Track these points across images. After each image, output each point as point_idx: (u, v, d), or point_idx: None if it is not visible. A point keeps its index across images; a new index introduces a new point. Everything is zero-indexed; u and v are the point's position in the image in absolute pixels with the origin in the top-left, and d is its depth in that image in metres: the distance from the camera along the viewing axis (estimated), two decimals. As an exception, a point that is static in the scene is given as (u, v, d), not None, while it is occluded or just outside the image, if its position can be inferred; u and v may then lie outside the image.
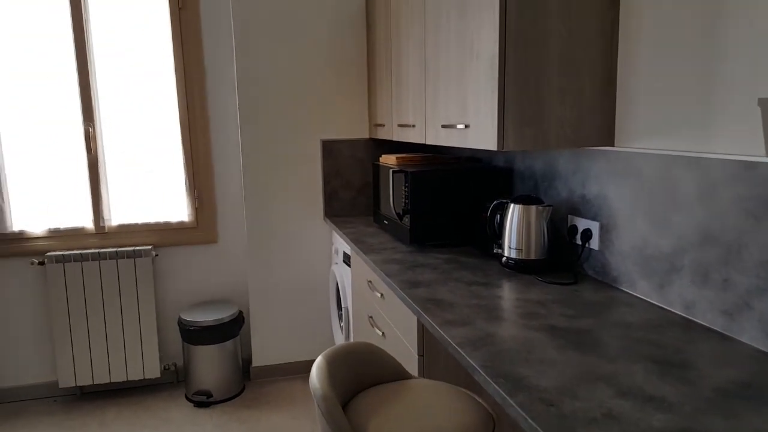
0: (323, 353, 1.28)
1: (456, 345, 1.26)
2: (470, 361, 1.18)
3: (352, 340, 2.71)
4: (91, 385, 2.96)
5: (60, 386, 2.86)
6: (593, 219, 1.79)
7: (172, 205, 3.05)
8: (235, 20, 2.82)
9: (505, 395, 1.03)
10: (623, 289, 1.66)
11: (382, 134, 2.87)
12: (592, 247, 1.80)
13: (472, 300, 1.59)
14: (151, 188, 3.01)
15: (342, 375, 1.25)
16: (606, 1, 1.62)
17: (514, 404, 0.99)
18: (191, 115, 2.98)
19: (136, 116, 2.93)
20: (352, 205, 3.13)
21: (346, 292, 2.74)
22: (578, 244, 1.86)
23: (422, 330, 1.67)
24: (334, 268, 2.96)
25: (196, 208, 3.07)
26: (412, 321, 1.71)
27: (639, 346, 1.25)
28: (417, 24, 2.23)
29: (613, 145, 1.68)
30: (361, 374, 1.32)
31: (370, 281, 2.25)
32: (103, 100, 2.87)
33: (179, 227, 3.06)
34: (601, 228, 1.75)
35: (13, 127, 2.78)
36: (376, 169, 2.79)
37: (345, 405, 1.26)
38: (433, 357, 1.70)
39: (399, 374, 1.40)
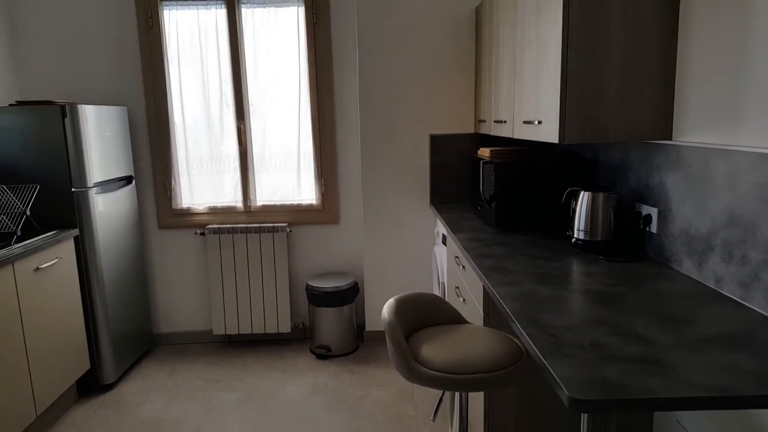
0: (395, 297, 1.68)
1: (499, 297, 1.59)
2: (506, 307, 1.50)
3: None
4: (236, 334, 3.65)
5: (213, 333, 3.58)
6: (653, 205, 1.97)
7: (304, 190, 3.63)
8: (359, 30, 3.28)
9: (520, 328, 1.34)
10: (673, 267, 1.84)
11: (484, 129, 3.18)
12: (651, 230, 1.99)
13: (530, 269, 1.88)
14: (288, 175, 3.62)
15: (407, 313, 1.64)
16: (666, 11, 1.80)
17: (525, 334, 1.31)
18: (321, 114, 3.52)
19: (277, 115, 3.55)
20: (454, 194, 3.47)
21: (443, 269, 3.11)
22: (641, 228, 2.05)
23: (486, 293, 2.00)
24: (435, 248, 3.33)
25: (323, 194, 3.62)
26: (480, 285, 2.04)
27: (655, 306, 1.48)
28: (509, 30, 2.52)
29: (670, 139, 1.86)
30: (424, 315, 1.69)
31: (456, 257, 2.59)
32: (251, 103, 3.52)
33: (308, 209, 3.64)
34: (659, 213, 1.93)
35: (186, 127, 3.52)
36: (474, 160, 3.11)
37: (408, 336, 1.65)
38: (495, 314, 2.02)
39: (455, 319, 1.75)
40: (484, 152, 2.94)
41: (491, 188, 2.66)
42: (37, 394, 2.49)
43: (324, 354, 3.41)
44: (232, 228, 3.49)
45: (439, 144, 3.42)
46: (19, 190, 2.75)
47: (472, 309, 2.23)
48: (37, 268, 2.52)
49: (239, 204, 3.61)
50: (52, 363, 2.61)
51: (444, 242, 3.08)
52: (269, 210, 3.62)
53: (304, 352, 3.48)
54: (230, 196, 3.61)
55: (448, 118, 3.39)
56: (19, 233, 2.59)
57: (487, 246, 2.27)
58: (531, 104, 2.21)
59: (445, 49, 3.30)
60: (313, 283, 3.42)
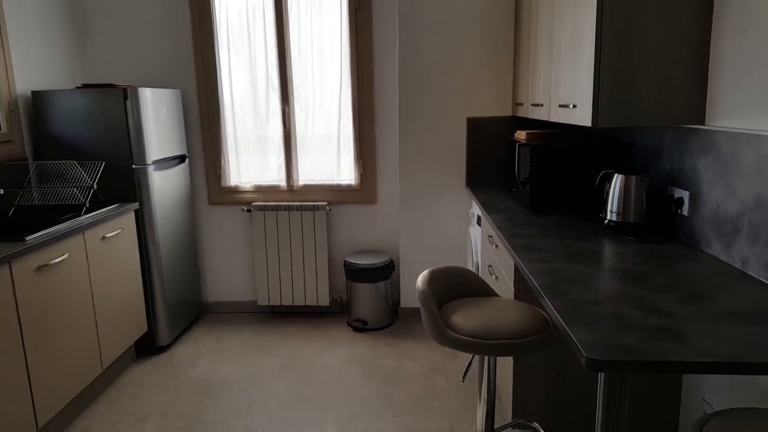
0: (429, 269, 1.81)
1: (529, 272, 1.69)
2: (534, 281, 1.61)
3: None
4: (279, 305, 3.86)
5: (258, 304, 3.80)
6: (685, 189, 2.03)
7: (343, 171, 3.78)
8: (400, 15, 3.38)
9: (546, 299, 1.45)
10: (702, 249, 1.90)
11: (521, 112, 3.24)
12: (683, 213, 2.05)
13: (560, 248, 1.98)
14: (328, 157, 3.77)
15: (440, 284, 1.76)
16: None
17: (550, 304, 1.42)
18: (361, 98, 3.64)
19: (319, 98, 3.69)
20: (490, 176, 3.55)
21: (478, 248, 3.21)
22: (673, 211, 2.11)
23: (516, 270, 2.11)
24: (470, 229, 3.44)
25: (361, 174, 3.76)
26: (511, 263, 2.14)
27: (680, 284, 1.56)
28: (547, 15, 2.58)
29: (703, 124, 1.91)
30: (456, 287, 1.82)
31: (490, 236, 2.70)
32: (296, 86, 3.67)
33: (347, 189, 3.78)
34: (691, 197, 1.99)
35: (234, 109, 3.71)
36: (510, 143, 3.19)
37: (441, 305, 1.77)
38: (525, 290, 2.12)
39: (486, 292, 1.87)
40: (521, 135, 3.02)
41: (527, 170, 2.74)
42: (103, 351, 2.74)
43: (360, 327, 3.58)
44: (276, 206, 3.67)
45: (475, 127, 3.50)
46: (87, 166, 2.98)
47: (504, 286, 2.34)
48: (104, 237, 2.75)
49: (283, 183, 3.79)
50: (115, 324, 2.86)
51: (479, 223, 3.18)
52: (310, 189, 3.78)
53: (342, 325, 3.66)
54: (274, 175, 3.79)
55: (485, 102, 3.47)
56: (87, 205, 2.82)
57: (520, 226, 2.36)
58: (566, 88, 2.28)
59: (484, 34, 3.36)
60: (351, 260, 3.57)
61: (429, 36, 3.38)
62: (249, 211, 3.78)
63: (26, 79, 3.09)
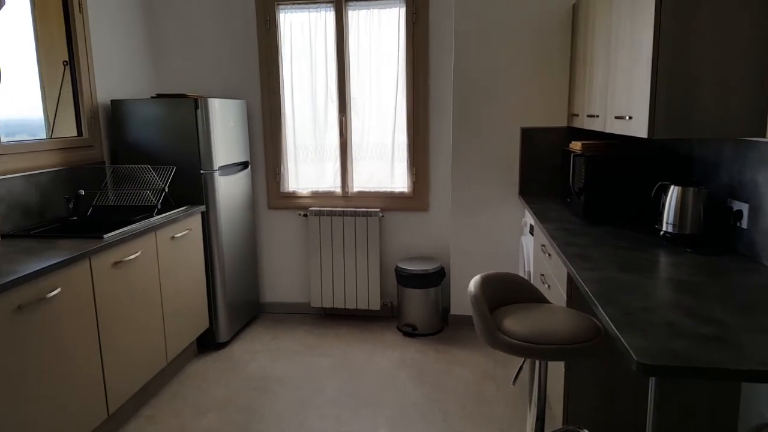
0: (481, 274, 1.86)
1: (581, 280, 1.72)
2: (587, 289, 1.64)
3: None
4: (331, 308, 3.97)
5: (311, 306, 3.93)
6: (745, 201, 2.00)
7: (397, 178, 3.86)
8: (456, 27, 3.45)
9: (598, 306, 1.48)
10: (762, 262, 1.87)
11: (576, 123, 3.24)
12: (742, 226, 2.01)
13: (614, 258, 1.98)
14: (382, 165, 3.86)
15: (492, 288, 1.81)
16: (760, 11, 1.82)
17: (602, 311, 1.45)
18: (416, 107, 3.73)
19: (375, 108, 3.80)
20: (543, 186, 3.55)
21: (530, 258, 3.22)
22: (732, 224, 2.07)
23: (569, 278, 2.12)
24: (522, 238, 3.45)
25: (414, 182, 3.83)
26: (564, 272, 2.16)
27: (735, 296, 1.55)
28: (604, 27, 2.59)
29: (764, 137, 1.88)
30: (508, 292, 1.86)
31: (543, 245, 2.71)
32: (353, 97, 3.80)
33: (400, 196, 3.87)
34: (750, 209, 1.96)
35: (295, 119, 3.87)
36: (565, 153, 3.19)
37: (492, 310, 1.82)
38: (577, 298, 2.13)
39: (538, 299, 1.89)
40: (576, 145, 3.02)
41: (581, 180, 2.74)
42: (168, 345, 2.92)
43: (410, 332, 3.64)
44: (331, 211, 3.80)
45: (529, 137, 3.51)
46: (159, 170, 3.20)
47: (556, 294, 2.36)
48: (173, 237, 2.94)
49: (338, 189, 3.91)
50: (180, 319, 3.04)
51: (531, 232, 3.19)
52: (364, 196, 3.89)
53: (392, 329, 3.73)
54: (330, 182, 3.92)
55: (540, 112, 3.48)
56: (159, 206, 3.03)
57: (573, 236, 2.37)
58: (623, 100, 2.28)
59: (539, 44, 3.38)
60: (402, 265, 3.65)
61: (484, 47, 3.44)
62: (305, 216, 3.92)
63: (107, 89, 3.34)
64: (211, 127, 3.23)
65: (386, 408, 2.75)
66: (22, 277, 1.92)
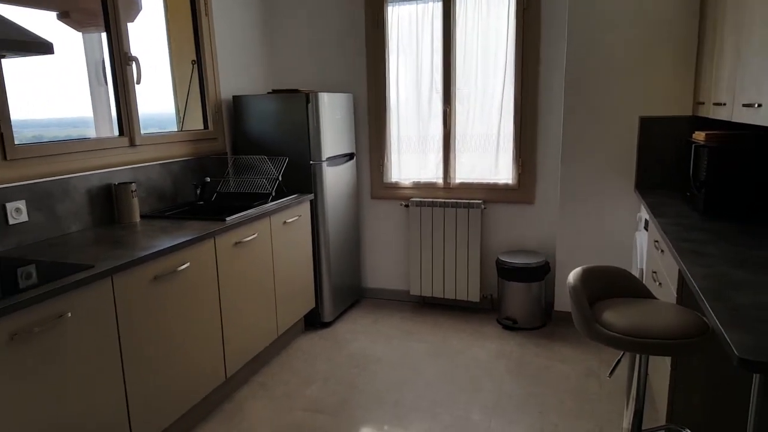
0: (583, 266, 1.82)
1: (690, 275, 1.63)
2: (694, 283, 1.55)
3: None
4: (430, 297, 4.04)
5: (410, 293, 4.02)
6: None
7: (501, 170, 3.83)
8: (570, 13, 3.33)
9: (704, 300, 1.40)
10: None
11: (702, 112, 3.01)
12: None
13: (731, 255, 1.85)
14: (486, 155, 3.84)
15: (593, 281, 1.76)
16: None
17: (708, 306, 1.37)
18: (524, 97, 3.66)
19: (481, 98, 3.78)
20: (662, 179, 3.33)
21: (643, 254, 3.06)
22: None
23: (680, 275, 2.00)
24: (636, 234, 3.27)
25: (519, 174, 3.77)
26: (675, 268, 2.04)
27: None
28: (737, 10, 2.39)
29: None
30: (610, 286, 1.80)
31: (656, 241, 2.57)
32: (458, 87, 3.81)
33: (504, 188, 3.83)
34: None
35: (399, 110, 3.96)
36: (687, 144, 2.98)
37: (594, 302, 1.77)
38: (688, 296, 2.01)
39: (644, 294, 1.81)
40: (699, 136, 2.81)
41: (703, 173, 2.56)
42: (279, 319, 3.16)
43: (510, 325, 3.60)
44: (432, 202, 3.85)
45: (649, 127, 3.31)
46: (274, 161, 3.45)
47: (667, 292, 2.23)
48: (285, 222, 3.17)
49: (440, 181, 3.95)
50: (290, 297, 3.26)
51: (646, 228, 3.02)
52: (466, 187, 3.89)
53: (491, 322, 3.72)
54: (432, 173, 3.97)
55: (661, 101, 3.27)
56: (273, 194, 3.27)
57: (689, 231, 2.23)
58: (752, 86, 2.10)
59: (662, 29, 3.18)
60: (504, 258, 3.61)
61: (600, 32, 3.29)
62: (407, 206, 4.01)
63: (229, 86, 3.65)
64: (321, 120, 3.41)
65: (481, 396, 2.77)
66: (158, 251, 2.19)
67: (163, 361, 2.26)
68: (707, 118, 3.17)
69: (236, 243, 2.72)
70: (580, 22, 3.31)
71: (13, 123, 2.27)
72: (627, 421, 1.79)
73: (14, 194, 2.24)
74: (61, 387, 1.80)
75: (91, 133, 2.86)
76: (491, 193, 3.84)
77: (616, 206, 3.45)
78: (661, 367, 2.21)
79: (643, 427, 1.85)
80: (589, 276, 1.78)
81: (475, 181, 3.88)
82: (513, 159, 3.77)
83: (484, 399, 2.74)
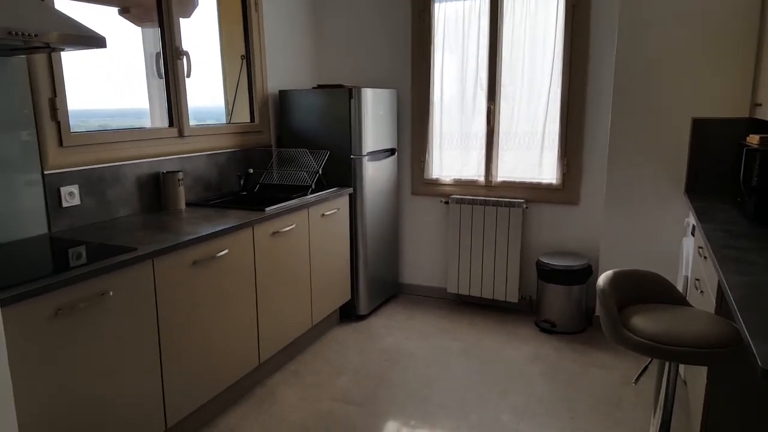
0: (614, 269, 1.77)
1: (727, 283, 1.56)
2: (729, 293, 1.49)
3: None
4: (467, 295, 4.01)
5: (447, 291, 4.01)
6: None
7: (545, 169, 3.75)
8: (622, 10, 3.22)
9: (737, 310, 1.34)
10: None
11: (759, 114, 2.86)
12: None
13: (776, 263, 1.75)
14: (530, 154, 3.78)
15: (624, 285, 1.71)
16: None
17: (740, 315, 1.31)
18: (571, 95, 3.58)
19: (527, 96, 3.72)
20: (714, 183, 3.18)
21: (689, 261, 2.93)
22: None
23: (719, 283, 1.91)
24: (684, 240, 3.14)
25: (564, 174, 3.69)
26: (716, 276, 1.96)
27: None
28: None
29: None
30: (643, 291, 1.74)
31: (700, 247, 2.46)
32: (503, 84, 3.76)
33: (547, 188, 3.75)
34: None
35: (443, 107, 3.95)
36: (740, 148, 2.84)
37: (624, 306, 1.73)
38: (727, 305, 1.92)
39: (678, 301, 1.75)
40: (753, 139, 2.68)
41: (754, 178, 2.43)
42: (314, 309, 3.23)
43: (548, 328, 3.54)
44: (473, 200, 3.82)
45: (702, 129, 3.17)
46: (315, 154, 3.51)
47: (707, 301, 2.14)
48: (323, 214, 3.23)
49: (481, 178, 3.92)
50: (325, 288, 3.33)
51: (693, 233, 2.90)
52: (508, 186, 3.84)
53: (528, 324, 3.66)
54: (474, 170, 3.94)
55: (715, 102, 3.12)
56: (313, 187, 3.34)
57: (735, 238, 2.13)
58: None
59: (719, 27, 3.03)
60: (545, 259, 3.55)
61: (653, 30, 3.17)
62: (447, 203, 3.99)
63: (276, 81, 3.74)
64: (363, 116, 3.45)
65: (512, 397, 2.74)
66: (198, 237, 2.28)
67: (199, 342, 2.36)
68: (765, 121, 3.01)
69: (274, 233, 2.80)
70: (632, 18, 3.20)
71: (81, 113, 2.43)
72: (654, 430, 1.73)
73: (68, 179, 2.39)
74: (100, 362, 1.91)
75: (147, 124, 3.00)
76: (534, 192, 3.78)
77: (665, 210, 3.33)
78: (698, 377, 2.13)
79: (670, 438, 1.78)
80: (620, 280, 1.74)
81: (518, 179, 3.83)
82: (558, 158, 3.69)
83: (515, 401, 2.71)
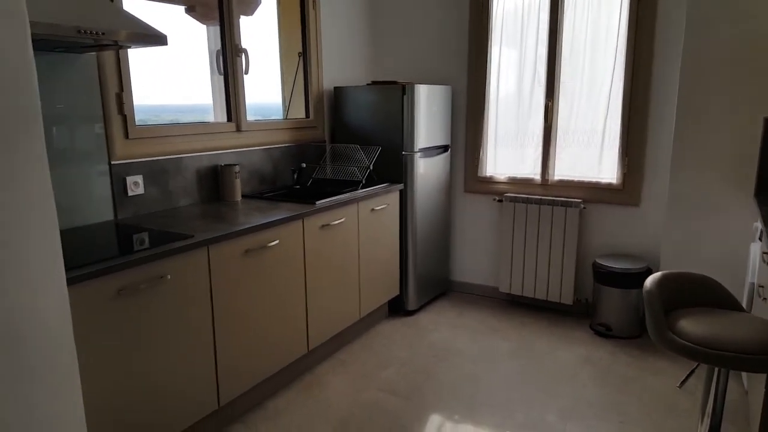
0: (663, 271, 1.70)
1: (786, 286, 1.47)
2: (788, 296, 1.40)
3: (750, 312, 2.75)
4: (520, 295, 3.94)
5: (499, 290, 3.96)
6: None
7: (604, 168, 3.63)
8: (689, 7, 3.06)
9: (792, 314, 1.27)
10: None
11: (840, 110, 2.66)
12: None
13: None
14: (589, 153, 3.67)
15: (673, 287, 1.64)
16: None
17: (795, 320, 1.24)
18: (634, 92, 3.44)
19: (586, 93, 3.61)
20: (788, 185, 2.99)
21: (756, 267, 2.76)
22: None
23: (784, 287, 1.80)
24: (751, 245, 2.96)
25: (624, 174, 3.56)
26: (779, 279, 1.84)
27: None
28: None
29: None
30: (694, 294, 1.66)
31: (765, 253, 2.32)
32: (562, 81, 3.67)
33: (606, 188, 3.63)
34: None
35: (499, 103, 3.90)
36: (816, 146, 2.65)
37: (673, 309, 1.66)
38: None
39: (731, 306, 1.66)
40: (831, 137, 2.49)
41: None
42: (362, 302, 3.28)
43: (603, 332, 3.43)
44: (527, 198, 3.75)
45: (775, 127, 2.98)
46: (367, 150, 3.56)
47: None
48: (372, 209, 3.27)
49: (537, 177, 3.84)
50: (373, 282, 3.37)
51: (761, 238, 2.73)
52: (565, 185, 3.75)
53: (582, 327, 3.56)
54: (529, 168, 3.86)
55: (791, 99, 2.92)
56: (363, 182, 3.39)
57: (803, 241, 2.00)
58: None
59: (796, 16, 2.84)
60: (602, 261, 3.44)
61: (722, 25, 3.00)
62: (500, 201, 3.94)
63: (331, 78, 3.82)
64: (415, 112, 3.47)
65: (560, 400, 2.68)
66: (250, 227, 2.38)
67: (250, 327, 2.46)
68: None
69: (323, 225, 2.87)
70: (700, 13, 3.04)
71: (154, 108, 2.60)
72: (700, 437, 1.65)
73: (133, 169, 2.55)
74: (157, 341, 2.04)
75: (211, 119, 3.15)
76: (592, 192, 3.67)
77: (732, 214, 3.14)
78: (758, 386, 2.01)
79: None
80: (668, 282, 1.67)
81: (576, 178, 3.72)
82: (618, 157, 3.56)
83: (563, 403, 2.65)
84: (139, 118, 2.57)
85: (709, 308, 1.66)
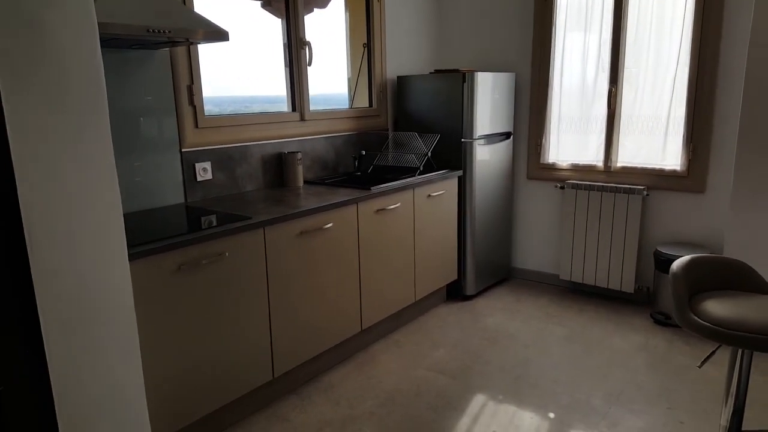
0: (691, 255, 1.70)
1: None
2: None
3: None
4: (580, 283, 3.91)
5: (560, 278, 3.95)
6: None
7: (669, 155, 3.52)
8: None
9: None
10: None
11: None
12: None
13: None
14: (653, 139, 3.57)
15: (701, 271, 1.64)
16: None
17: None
18: (700, 77, 3.31)
19: (651, 79, 3.51)
20: None
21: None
22: None
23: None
24: (828, 234, 2.79)
25: (690, 160, 3.44)
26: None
27: None
28: None
29: None
30: (722, 279, 1.65)
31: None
32: (627, 67, 3.58)
33: (671, 174, 3.52)
34: None
35: (562, 90, 3.86)
36: None
37: (699, 292, 1.66)
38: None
39: (763, 290, 1.64)
40: None
41: None
42: (417, 285, 3.41)
43: (662, 320, 3.36)
44: (590, 185, 3.72)
45: None
46: (425, 137, 3.68)
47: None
48: (429, 195, 3.39)
49: (599, 163, 3.78)
50: (429, 267, 3.49)
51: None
52: (628, 172, 3.67)
53: (642, 315, 3.50)
54: (592, 155, 3.81)
55: None
56: (421, 168, 3.51)
57: None
58: None
59: None
60: (663, 249, 3.36)
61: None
62: (562, 188, 3.91)
63: (395, 67, 3.95)
64: (475, 99, 3.53)
65: (608, 383, 2.69)
66: (304, 210, 2.58)
67: (305, 304, 2.67)
68: None
69: (378, 210, 3.02)
70: (774, -14, 2.87)
71: (242, 99, 2.89)
72: (725, 418, 1.65)
73: (202, 156, 2.83)
74: (216, 314, 2.27)
75: (284, 109, 3.36)
76: (656, 179, 3.57)
77: (807, 201, 2.96)
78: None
79: (744, 428, 1.66)
80: (697, 265, 1.67)
81: (639, 165, 3.64)
82: (683, 144, 3.45)
83: (611, 387, 2.66)
84: (221, 108, 2.84)
85: (740, 292, 1.64)
